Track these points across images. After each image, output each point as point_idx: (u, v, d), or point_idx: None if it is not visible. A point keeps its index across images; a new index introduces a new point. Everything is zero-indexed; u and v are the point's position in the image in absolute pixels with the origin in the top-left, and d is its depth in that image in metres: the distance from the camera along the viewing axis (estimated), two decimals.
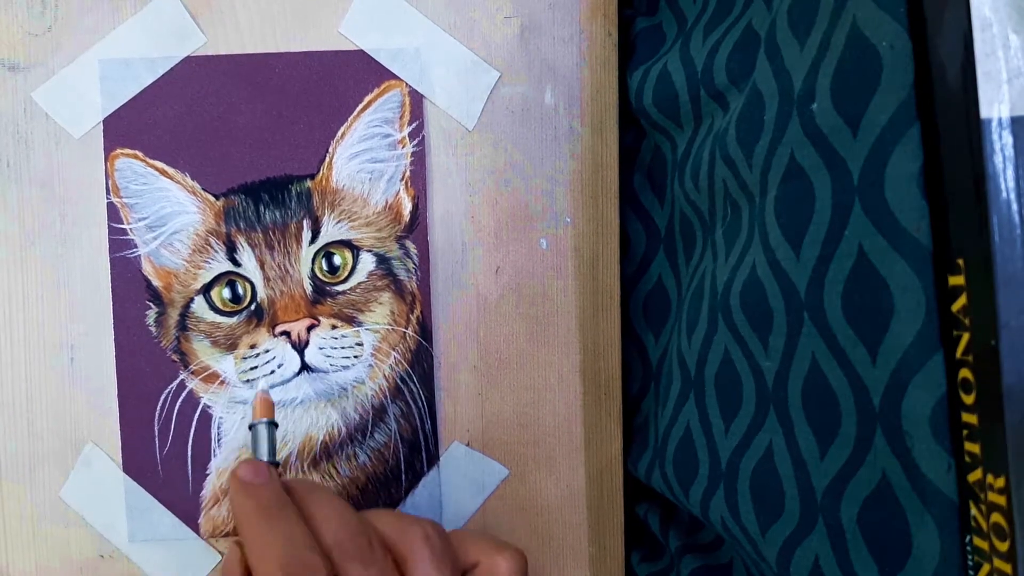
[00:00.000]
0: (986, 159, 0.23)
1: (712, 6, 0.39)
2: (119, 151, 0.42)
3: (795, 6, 0.30)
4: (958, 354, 0.24)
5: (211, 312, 0.42)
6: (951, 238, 0.24)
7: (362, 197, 0.43)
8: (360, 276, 0.42)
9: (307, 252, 0.42)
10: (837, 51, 0.27)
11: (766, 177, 0.32)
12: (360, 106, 0.42)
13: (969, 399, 0.24)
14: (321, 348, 0.42)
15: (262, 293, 0.42)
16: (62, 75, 0.42)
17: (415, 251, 0.43)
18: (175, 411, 0.42)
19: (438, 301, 0.43)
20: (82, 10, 0.42)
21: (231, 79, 0.42)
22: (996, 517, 0.23)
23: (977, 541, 0.24)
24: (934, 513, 0.25)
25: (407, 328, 0.43)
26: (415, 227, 0.43)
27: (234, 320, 0.42)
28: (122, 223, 0.42)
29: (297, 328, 0.42)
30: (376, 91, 0.43)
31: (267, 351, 0.42)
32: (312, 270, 0.42)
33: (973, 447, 0.24)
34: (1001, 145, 0.23)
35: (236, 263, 0.42)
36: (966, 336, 0.24)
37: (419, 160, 0.43)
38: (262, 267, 0.42)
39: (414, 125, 0.43)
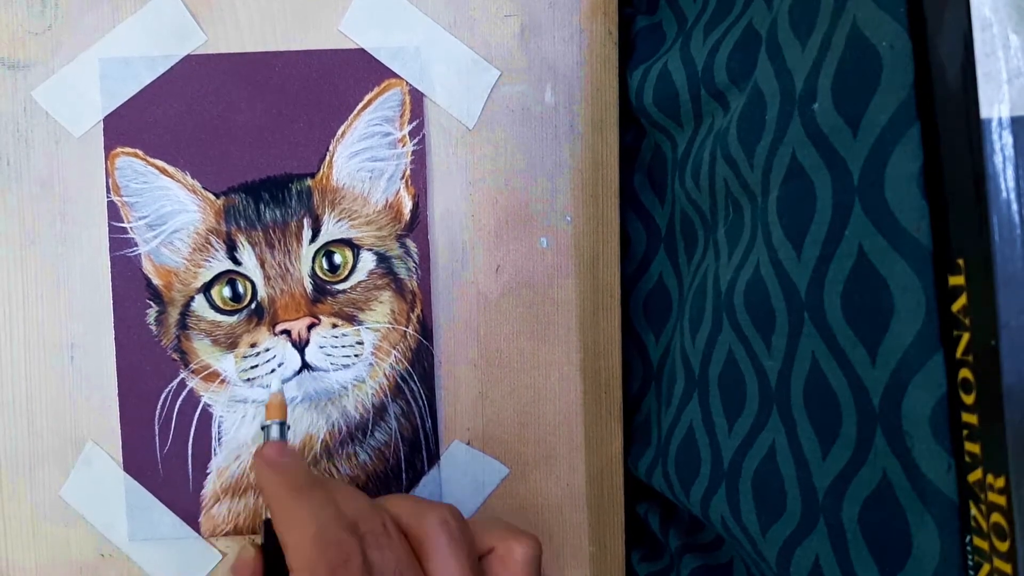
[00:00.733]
0: (986, 159, 0.23)
1: (712, 5, 0.39)
2: (119, 150, 0.42)
3: (796, 6, 0.30)
4: (958, 354, 0.24)
5: (211, 311, 0.42)
6: (951, 238, 0.24)
7: (362, 196, 0.43)
8: (360, 275, 0.42)
9: (307, 251, 0.42)
10: (838, 51, 0.27)
11: (768, 177, 0.32)
12: (360, 105, 0.42)
13: (969, 399, 0.24)
14: (322, 347, 0.42)
15: (262, 292, 0.42)
16: (62, 74, 0.42)
17: (415, 250, 0.43)
18: (175, 410, 0.42)
19: (438, 300, 0.43)
20: (82, 9, 0.42)
21: (231, 78, 0.42)
22: (996, 517, 0.23)
23: (977, 541, 0.24)
24: (934, 513, 0.25)
25: (407, 327, 0.43)
26: (415, 226, 0.43)
27: (234, 319, 0.42)
28: (122, 222, 0.42)
29: (297, 327, 0.42)
30: (376, 90, 0.42)
31: (267, 350, 0.42)
32: (312, 269, 0.42)
33: (973, 447, 0.24)
34: (1001, 145, 0.23)
35: (236, 262, 0.42)
36: (966, 336, 0.24)
37: (419, 159, 0.43)
38: (262, 266, 0.42)
39: (414, 124, 0.43)
